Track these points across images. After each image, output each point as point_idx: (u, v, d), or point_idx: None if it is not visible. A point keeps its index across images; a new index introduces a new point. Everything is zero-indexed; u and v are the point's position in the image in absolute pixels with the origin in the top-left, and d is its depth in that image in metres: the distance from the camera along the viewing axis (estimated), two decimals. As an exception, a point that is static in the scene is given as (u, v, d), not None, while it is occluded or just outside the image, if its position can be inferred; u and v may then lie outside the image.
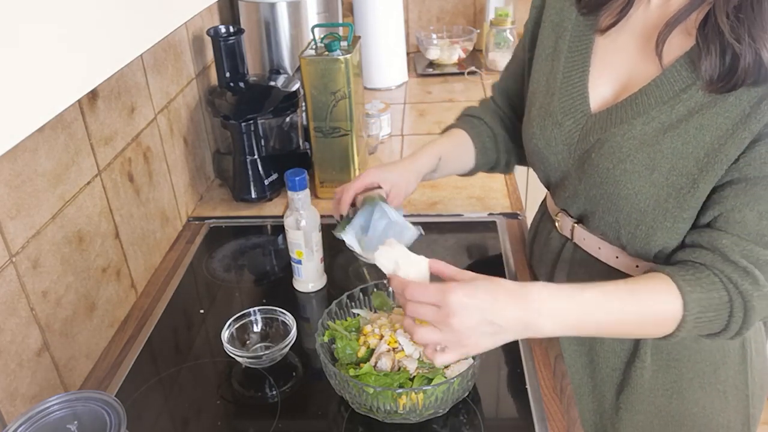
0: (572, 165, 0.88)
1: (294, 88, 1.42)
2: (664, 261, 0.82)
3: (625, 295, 0.74)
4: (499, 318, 0.70)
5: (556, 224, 0.98)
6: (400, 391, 0.80)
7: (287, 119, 1.46)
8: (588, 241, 0.92)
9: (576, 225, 0.93)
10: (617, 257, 0.88)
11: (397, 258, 0.80)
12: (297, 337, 0.97)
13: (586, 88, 0.87)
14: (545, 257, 1.02)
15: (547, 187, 0.99)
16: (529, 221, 1.19)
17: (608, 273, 0.89)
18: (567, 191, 0.90)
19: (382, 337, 0.87)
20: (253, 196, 1.39)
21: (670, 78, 0.78)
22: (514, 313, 0.71)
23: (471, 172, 1.11)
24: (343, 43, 1.31)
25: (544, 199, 1.07)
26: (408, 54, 2.14)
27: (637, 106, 0.80)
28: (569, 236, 0.95)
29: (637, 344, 0.91)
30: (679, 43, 0.78)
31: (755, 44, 0.69)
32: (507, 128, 1.09)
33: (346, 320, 0.95)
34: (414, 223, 0.92)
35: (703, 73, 0.74)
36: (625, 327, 0.77)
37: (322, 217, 1.09)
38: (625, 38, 0.85)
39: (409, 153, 1.10)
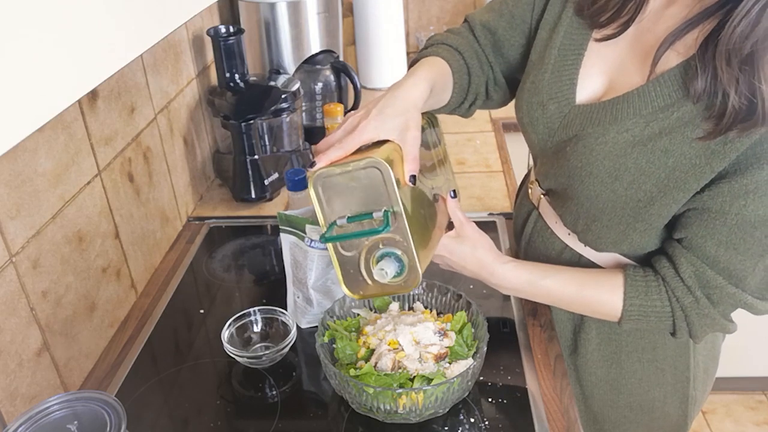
0: (550, 149, 0.91)
1: (294, 88, 1.42)
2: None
3: (573, 286, 0.90)
4: (459, 268, 0.93)
5: (529, 191, 1.02)
6: (400, 391, 0.80)
7: (287, 119, 1.46)
8: (548, 214, 0.97)
9: (543, 196, 0.98)
10: (569, 234, 0.93)
11: None
12: (297, 337, 0.97)
13: (575, 76, 0.88)
14: (517, 221, 1.08)
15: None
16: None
17: (561, 249, 0.95)
18: (543, 168, 0.95)
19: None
20: (253, 196, 1.39)
21: (653, 92, 0.79)
22: (471, 268, 0.92)
23: (440, 111, 0.96)
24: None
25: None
26: (408, 54, 2.14)
27: (616, 112, 0.82)
28: (536, 205, 1.00)
29: (582, 317, 0.97)
30: (666, 59, 0.78)
31: (747, 93, 0.69)
32: (483, 68, 0.99)
33: (346, 320, 0.95)
34: None
35: (692, 91, 0.74)
36: (572, 308, 0.93)
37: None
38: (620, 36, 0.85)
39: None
